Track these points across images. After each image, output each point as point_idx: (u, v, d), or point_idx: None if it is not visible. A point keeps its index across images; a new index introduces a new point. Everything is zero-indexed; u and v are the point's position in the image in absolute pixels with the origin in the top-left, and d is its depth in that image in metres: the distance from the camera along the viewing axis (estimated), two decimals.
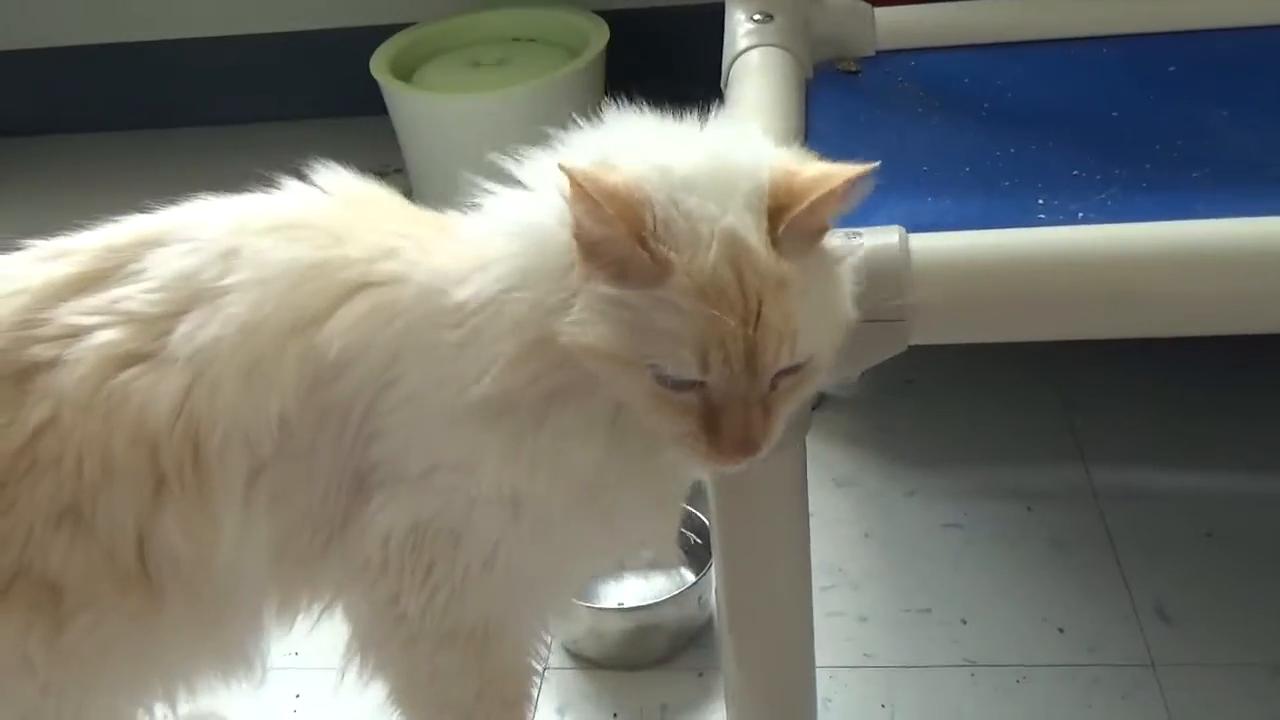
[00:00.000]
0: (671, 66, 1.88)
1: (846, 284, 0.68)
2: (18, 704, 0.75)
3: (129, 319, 0.71)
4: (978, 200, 0.88)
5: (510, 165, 0.70)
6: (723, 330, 0.62)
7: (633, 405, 0.66)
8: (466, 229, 0.70)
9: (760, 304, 0.62)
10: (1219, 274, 0.72)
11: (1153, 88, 1.01)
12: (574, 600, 0.84)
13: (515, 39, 1.84)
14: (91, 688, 0.77)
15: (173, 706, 0.82)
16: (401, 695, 0.80)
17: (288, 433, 0.70)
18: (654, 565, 1.13)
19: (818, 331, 0.65)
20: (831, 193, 0.64)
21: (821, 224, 0.66)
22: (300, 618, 0.80)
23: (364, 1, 1.97)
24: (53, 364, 0.70)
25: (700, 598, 1.07)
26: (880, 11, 1.11)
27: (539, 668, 0.84)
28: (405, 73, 1.78)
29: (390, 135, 1.77)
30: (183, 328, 0.70)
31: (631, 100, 0.72)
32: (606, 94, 1.73)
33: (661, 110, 0.71)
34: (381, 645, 0.78)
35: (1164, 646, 1.03)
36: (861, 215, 0.86)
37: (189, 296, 0.70)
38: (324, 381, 0.70)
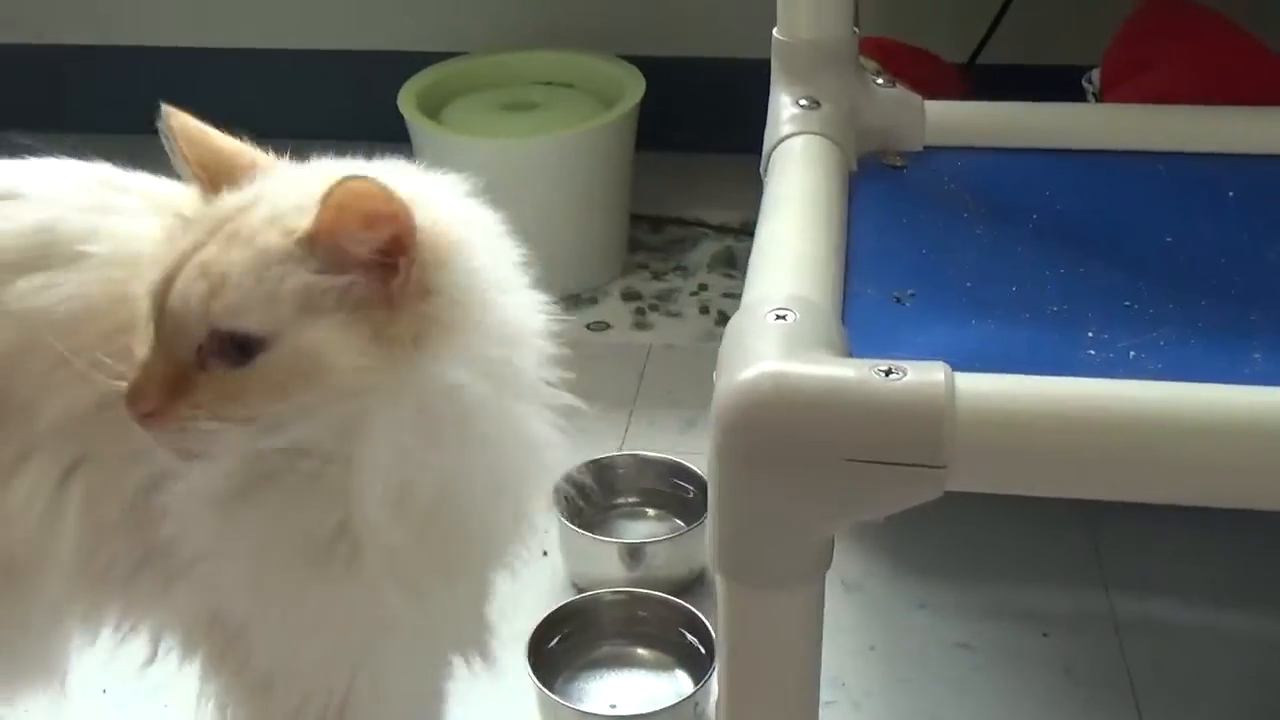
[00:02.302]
0: (708, 120, 1.86)
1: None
2: None
3: None
4: (1024, 329, 0.83)
5: None
6: (169, 253, 0.60)
7: None
8: None
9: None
10: None
11: (1210, 214, 0.96)
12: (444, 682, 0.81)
13: (549, 83, 1.81)
14: None
15: None
16: None
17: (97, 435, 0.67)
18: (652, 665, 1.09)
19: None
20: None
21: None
22: (108, 633, 0.76)
23: (399, 27, 1.94)
24: None
25: (697, 706, 1.02)
26: (931, 105, 1.07)
27: None
28: (434, 107, 1.74)
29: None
30: (22, 283, 0.67)
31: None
32: (637, 143, 1.72)
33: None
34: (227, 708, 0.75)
35: None
36: (902, 338, 0.83)
37: (42, 252, 0.68)
38: None
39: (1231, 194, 0.98)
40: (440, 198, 0.68)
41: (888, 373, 0.70)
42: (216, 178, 0.66)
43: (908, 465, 0.68)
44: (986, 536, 1.21)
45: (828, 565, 0.76)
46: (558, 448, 0.71)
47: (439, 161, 1.74)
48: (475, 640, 0.76)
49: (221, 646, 0.72)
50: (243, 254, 0.59)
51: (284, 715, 0.72)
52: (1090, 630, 1.12)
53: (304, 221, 0.60)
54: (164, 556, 0.69)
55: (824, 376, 0.70)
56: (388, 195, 0.59)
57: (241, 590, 0.69)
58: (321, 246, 0.60)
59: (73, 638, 0.76)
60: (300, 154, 0.73)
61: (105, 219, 0.70)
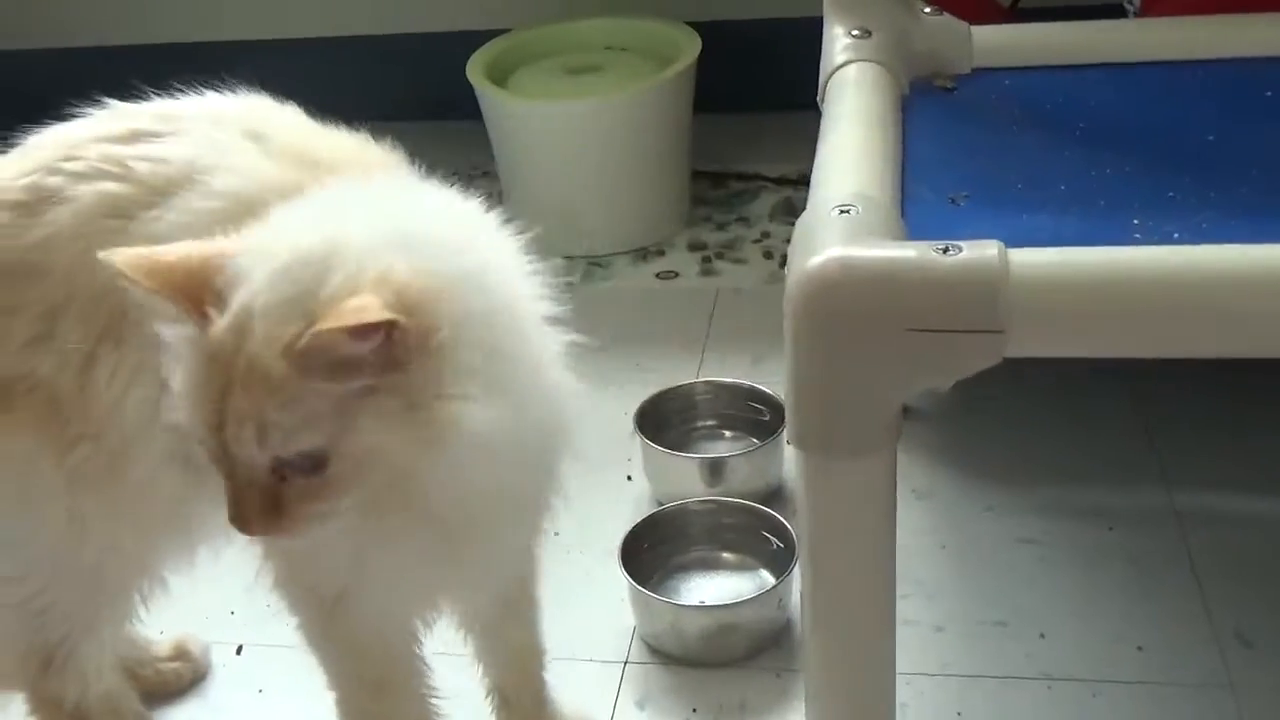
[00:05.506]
0: (762, 79, 1.92)
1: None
2: (51, 527, 0.83)
3: (131, 179, 0.80)
4: (1073, 219, 0.89)
5: None
6: (203, 397, 0.65)
7: None
8: None
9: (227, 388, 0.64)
10: None
11: (1249, 113, 1.01)
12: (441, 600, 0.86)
13: (608, 48, 1.88)
14: (113, 519, 0.83)
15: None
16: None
17: None
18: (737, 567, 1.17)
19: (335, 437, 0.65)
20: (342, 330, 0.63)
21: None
22: None
23: (461, 7, 2.02)
24: (59, 194, 0.80)
25: (780, 600, 1.09)
26: (977, 30, 1.13)
27: (416, 654, 0.86)
28: (500, 78, 1.82)
29: (480, 139, 1.81)
30: (159, 210, 0.78)
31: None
32: (696, 104, 1.79)
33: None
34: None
35: (1243, 670, 1.03)
36: (958, 231, 0.89)
37: (181, 179, 0.79)
38: None
39: (1269, 94, 1.03)
40: (415, 239, 0.69)
41: (945, 250, 0.76)
42: (194, 293, 0.67)
43: (967, 332, 0.74)
44: (1048, 442, 1.27)
45: (898, 435, 0.82)
46: (580, 397, 0.80)
47: (507, 126, 1.84)
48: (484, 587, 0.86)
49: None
50: (265, 393, 0.64)
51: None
52: (1152, 523, 1.17)
53: (295, 330, 0.64)
54: None
55: (886, 257, 0.77)
56: (354, 328, 0.62)
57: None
58: (319, 372, 0.64)
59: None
60: (377, 135, 0.84)
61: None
